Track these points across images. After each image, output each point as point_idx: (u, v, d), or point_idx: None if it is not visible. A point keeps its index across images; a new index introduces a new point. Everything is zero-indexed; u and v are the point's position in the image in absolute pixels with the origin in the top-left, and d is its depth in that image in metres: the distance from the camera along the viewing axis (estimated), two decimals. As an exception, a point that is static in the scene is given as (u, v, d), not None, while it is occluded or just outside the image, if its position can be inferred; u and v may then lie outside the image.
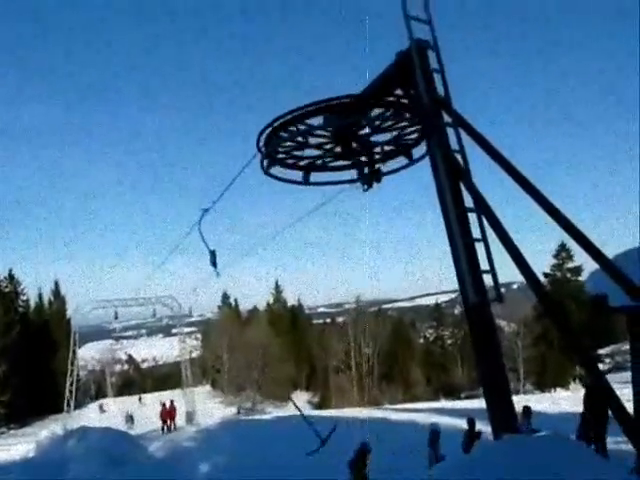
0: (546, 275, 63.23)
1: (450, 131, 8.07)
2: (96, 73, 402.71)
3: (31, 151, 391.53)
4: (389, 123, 9.57)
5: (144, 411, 54.47)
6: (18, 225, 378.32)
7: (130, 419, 48.51)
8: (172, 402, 34.59)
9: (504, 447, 5.69)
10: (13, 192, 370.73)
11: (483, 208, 7.32)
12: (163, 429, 33.03)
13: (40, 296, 73.55)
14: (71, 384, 49.66)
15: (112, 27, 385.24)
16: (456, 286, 7.61)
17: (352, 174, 10.61)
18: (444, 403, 48.20)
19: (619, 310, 7.55)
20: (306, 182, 10.59)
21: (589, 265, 7.57)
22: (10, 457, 25.73)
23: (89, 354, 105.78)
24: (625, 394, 6.66)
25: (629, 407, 6.49)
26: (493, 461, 5.29)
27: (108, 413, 60.90)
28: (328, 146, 10.07)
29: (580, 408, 14.05)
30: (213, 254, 11.24)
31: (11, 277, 67.69)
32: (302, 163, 10.40)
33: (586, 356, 6.66)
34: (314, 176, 10.65)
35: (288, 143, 9.64)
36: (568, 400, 32.76)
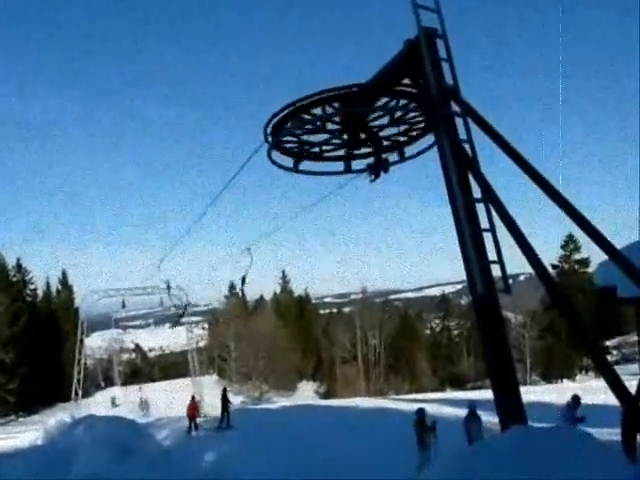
0: (554, 267, 62.99)
1: (459, 121, 8.01)
2: (99, 64, 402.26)
3: (38, 140, 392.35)
4: (397, 112, 9.50)
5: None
6: (26, 214, 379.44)
7: (145, 405, 45.77)
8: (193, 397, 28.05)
9: (511, 438, 5.67)
10: (21, 181, 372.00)
11: (491, 198, 7.28)
12: (190, 428, 25.84)
13: (48, 285, 73.94)
14: (78, 373, 49.96)
15: (112, 18, 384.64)
16: (463, 277, 7.56)
17: (360, 164, 10.58)
18: (450, 394, 48.25)
19: (628, 301, 7.49)
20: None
21: (597, 257, 7.51)
22: (19, 444, 25.95)
23: (96, 343, 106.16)
24: (632, 386, 6.61)
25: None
26: (499, 452, 5.27)
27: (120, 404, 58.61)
28: (336, 137, 10.02)
29: (591, 400, 13.94)
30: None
31: (19, 266, 68.00)
32: (309, 153, 10.35)
33: (594, 347, 6.63)
34: (320, 166, 10.61)
35: (296, 132, 9.59)
36: (575, 392, 32.64)
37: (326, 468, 14.57)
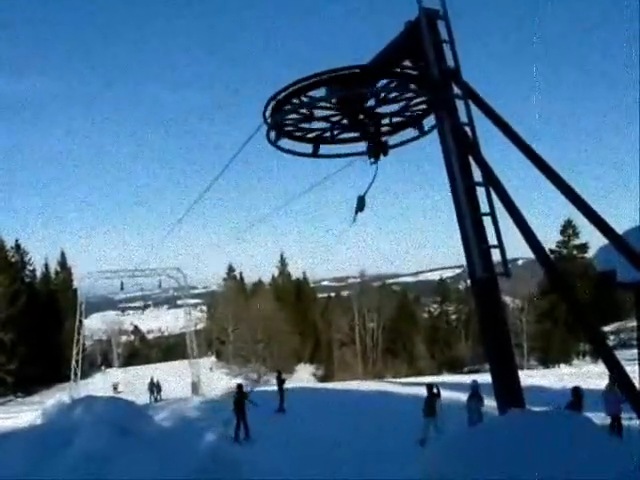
0: (552, 252, 62.99)
1: (460, 103, 7.95)
2: (103, 45, 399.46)
3: (38, 120, 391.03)
4: (397, 95, 9.42)
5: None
6: (25, 195, 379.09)
7: (156, 388, 39.63)
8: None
9: (509, 422, 5.68)
10: (20, 161, 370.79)
11: (492, 182, 7.23)
12: (238, 431, 18.19)
13: (46, 266, 74.01)
14: (77, 354, 50.19)
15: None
16: (461, 261, 7.56)
17: (358, 147, 10.52)
18: (447, 377, 48.50)
19: (627, 286, 7.48)
20: (313, 154, 10.49)
21: (596, 242, 7.50)
22: (18, 424, 26.06)
23: (95, 324, 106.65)
24: (630, 372, 6.62)
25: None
26: (498, 436, 5.28)
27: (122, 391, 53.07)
28: (335, 118, 9.94)
29: (584, 384, 13.96)
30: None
31: (18, 247, 67.99)
32: (308, 135, 10.28)
33: (594, 332, 6.62)
34: (320, 148, 10.54)
35: (295, 114, 9.51)
36: (572, 376, 32.95)
37: (331, 457, 14.63)
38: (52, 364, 60.41)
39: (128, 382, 58.27)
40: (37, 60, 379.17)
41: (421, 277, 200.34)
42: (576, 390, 13.39)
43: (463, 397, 16.56)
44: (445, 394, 17.28)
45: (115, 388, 54.96)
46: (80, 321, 51.32)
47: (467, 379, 32.92)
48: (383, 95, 9.38)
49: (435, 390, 15.96)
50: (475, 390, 15.46)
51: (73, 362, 50.06)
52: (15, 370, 56.32)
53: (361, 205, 9.60)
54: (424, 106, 9.60)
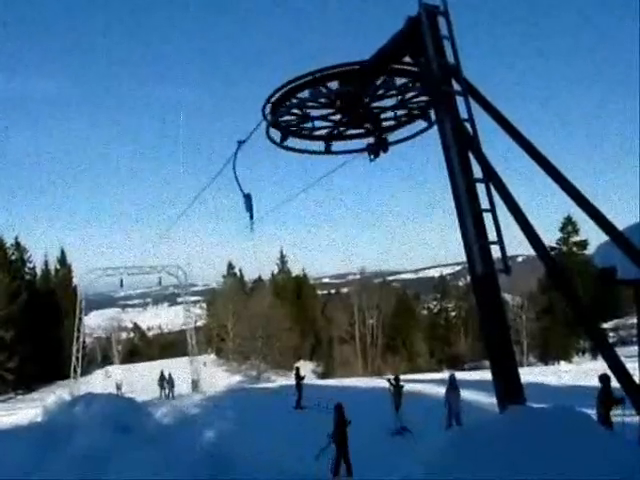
0: (552, 249, 62.93)
1: (459, 100, 7.93)
2: (95, 44, 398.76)
3: (37, 117, 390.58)
4: (397, 91, 9.39)
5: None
6: (24, 192, 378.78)
7: (168, 383, 38.39)
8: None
9: (510, 418, 5.68)
10: (18, 158, 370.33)
11: (492, 178, 7.22)
12: (338, 467, 12.87)
13: (46, 264, 73.70)
14: (77, 351, 50.09)
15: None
16: (460, 258, 7.55)
17: (360, 143, 10.50)
18: (447, 374, 48.51)
19: (629, 282, 7.47)
20: (313, 151, 10.48)
21: (595, 239, 7.49)
22: (18, 421, 26.06)
23: (95, 322, 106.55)
24: (630, 369, 6.61)
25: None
26: (498, 431, 5.28)
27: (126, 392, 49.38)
28: (335, 115, 9.93)
29: (585, 381, 13.83)
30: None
31: (17, 245, 67.86)
32: (309, 132, 10.26)
33: (595, 329, 6.62)
34: (320, 145, 10.53)
35: (294, 111, 9.49)
36: (572, 373, 32.93)
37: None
38: (52, 361, 60.30)
39: (128, 379, 58.08)
40: (35, 59, 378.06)
41: (421, 274, 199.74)
42: (605, 377, 12.06)
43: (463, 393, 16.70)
44: (443, 391, 17.39)
45: (119, 388, 52.45)
46: (80, 318, 51.20)
47: (469, 376, 33.00)
48: (383, 92, 9.36)
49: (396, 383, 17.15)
50: (452, 383, 16.15)
51: (73, 359, 49.94)
52: (15, 367, 56.27)
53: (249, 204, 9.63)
54: (424, 103, 9.59)
